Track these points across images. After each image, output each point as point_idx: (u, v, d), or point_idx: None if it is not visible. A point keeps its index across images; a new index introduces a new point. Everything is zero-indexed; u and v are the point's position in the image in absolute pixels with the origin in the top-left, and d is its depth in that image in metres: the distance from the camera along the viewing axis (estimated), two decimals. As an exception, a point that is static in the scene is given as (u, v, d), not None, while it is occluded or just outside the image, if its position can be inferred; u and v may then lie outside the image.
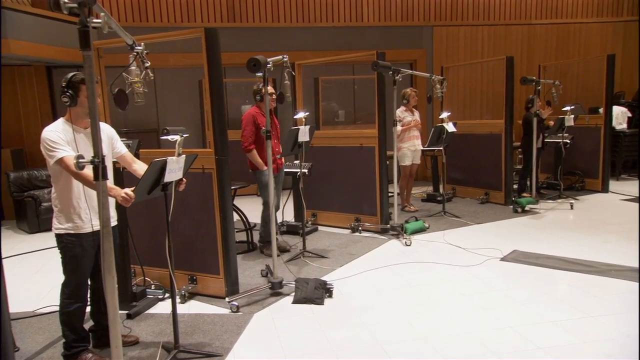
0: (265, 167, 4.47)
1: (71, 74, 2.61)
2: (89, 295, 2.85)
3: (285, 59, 3.82)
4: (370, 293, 3.67)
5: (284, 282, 3.72)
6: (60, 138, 2.53)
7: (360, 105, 9.26)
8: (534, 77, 6.07)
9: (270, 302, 3.57)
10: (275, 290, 3.69)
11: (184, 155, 2.66)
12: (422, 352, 2.75)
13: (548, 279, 3.76)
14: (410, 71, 5.52)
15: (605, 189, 7.29)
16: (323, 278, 3.94)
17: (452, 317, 3.17)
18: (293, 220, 5.74)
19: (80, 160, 1.67)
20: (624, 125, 8.74)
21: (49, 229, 5.98)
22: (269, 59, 3.47)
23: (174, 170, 2.60)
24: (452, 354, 2.70)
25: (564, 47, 9.63)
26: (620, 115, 8.63)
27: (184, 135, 2.64)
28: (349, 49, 8.25)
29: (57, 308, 3.53)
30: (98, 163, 1.59)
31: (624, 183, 8.03)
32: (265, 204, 4.60)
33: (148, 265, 3.82)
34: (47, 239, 5.69)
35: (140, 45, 2.36)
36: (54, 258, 4.99)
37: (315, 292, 3.54)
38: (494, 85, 9.27)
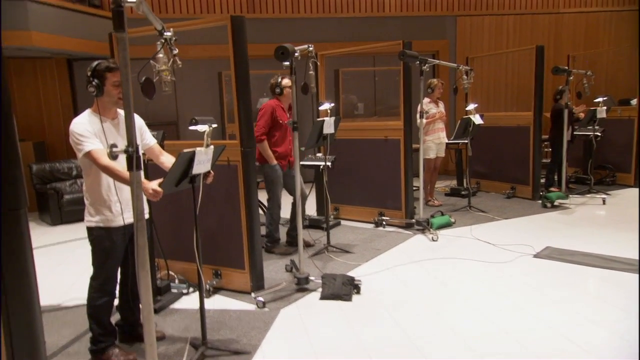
0: (274, 162, 4.36)
1: (96, 62, 2.53)
2: (117, 289, 2.78)
3: (310, 49, 3.71)
4: (399, 289, 3.56)
5: (310, 277, 3.63)
6: (87, 130, 2.46)
7: (380, 98, 9.10)
8: (566, 67, 5.84)
9: (296, 297, 3.48)
10: (302, 285, 3.60)
11: (212, 147, 2.57)
12: (458, 351, 2.63)
13: (585, 277, 3.60)
14: (438, 61, 5.35)
15: (638, 184, 7.02)
16: (349, 273, 3.85)
17: (487, 316, 3.04)
18: (315, 214, 5.64)
19: (114, 149, 1.59)
20: (657, 118, 8.40)
21: (72, 221, 6.09)
22: (295, 48, 3.36)
23: (203, 162, 2.52)
24: (489, 354, 2.58)
25: (593, 36, 9.30)
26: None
27: (213, 126, 2.55)
28: (370, 40, 8.07)
29: (83, 301, 3.53)
30: (132, 152, 1.50)
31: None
32: (272, 201, 4.47)
33: (171, 258, 3.76)
34: (70, 231, 5.70)
35: (169, 32, 2.26)
36: (78, 250, 5.02)
37: (343, 288, 3.44)
38: (519, 76, 9.03)
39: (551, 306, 3.13)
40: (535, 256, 4.13)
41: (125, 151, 1.49)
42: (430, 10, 8.80)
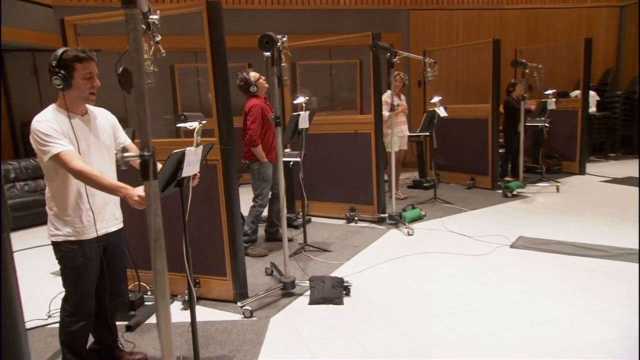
0: (266, 159, 4.24)
1: (61, 50, 2.18)
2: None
3: (284, 39, 3.50)
4: (389, 289, 3.45)
5: (295, 281, 3.44)
6: (53, 129, 2.11)
7: (336, 91, 8.99)
8: (524, 60, 6.01)
9: (284, 304, 3.28)
10: (288, 290, 3.40)
11: (201, 146, 2.31)
12: (467, 353, 2.56)
13: (567, 266, 3.68)
14: (407, 53, 5.30)
15: (582, 171, 7.43)
16: (332, 274, 3.71)
17: (485, 313, 3.00)
18: (285, 211, 5.42)
19: (126, 155, 1.31)
20: (594, 109, 8.96)
21: (13, 229, 5.42)
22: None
23: (192, 162, 2.25)
24: (500, 354, 2.53)
25: (533, 31, 9.73)
26: (590, 99, 8.83)
27: (203, 122, 2.29)
28: (325, 33, 7.93)
29: (42, 322, 3.13)
30: (149, 157, 1.24)
31: (595, 165, 8.25)
32: (260, 199, 4.29)
33: (141, 268, 3.42)
34: (16, 240, 5.08)
35: (155, 15, 1.98)
36: (25, 262, 4.46)
37: (333, 291, 3.28)
38: (468, 70, 9.27)
39: (545, 299, 3.13)
40: (512, 246, 4.19)
41: (141, 156, 1.23)
42: (383, 3, 8.80)
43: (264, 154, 4.21)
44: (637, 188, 6.10)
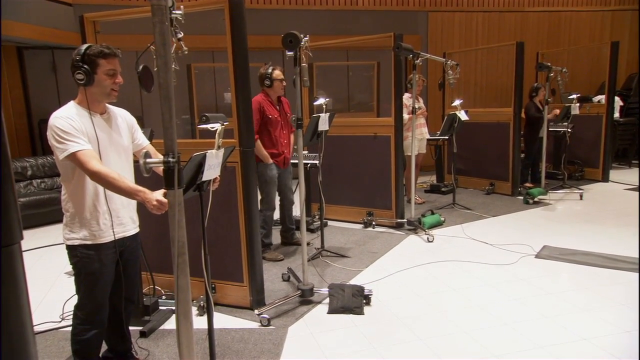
0: (270, 160, 4.12)
1: (85, 45, 2.13)
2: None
3: (306, 38, 3.39)
4: (411, 298, 3.33)
5: (314, 288, 3.33)
6: (72, 127, 2.04)
7: (353, 93, 8.88)
8: (549, 64, 5.84)
9: (301, 312, 3.17)
10: (306, 298, 3.29)
11: (222, 149, 2.21)
12: (495, 369, 2.44)
13: (598, 279, 3.51)
14: (429, 55, 5.17)
15: (605, 179, 7.22)
16: (352, 281, 3.60)
17: (517, 329, 2.85)
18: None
19: (149, 160, 1.21)
20: (617, 114, 8.72)
21: (34, 226, 5.39)
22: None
23: (213, 166, 2.16)
24: (529, 371, 2.40)
25: (554, 35, 9.53)
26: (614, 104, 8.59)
27: (225, 124, 2.19)
28: (344, 34, 7.85)
29: (55, 325, 3.07)
30: (174, 165, 1.14)
31: (618, 172, 8.02)
32: (264, 202, 4.18)
33: (156, 271, 3.34)
34: (32, 238, 5.06)
35: (179, 10, 1.88)
36: (42, 260, 4.41)
37: (353, 301, 3.17)
38: (487, 73, 9.10)
39: (580, 315, 2.97)
40: (537, 257, 4.04)
41: (165, 162, 1.13)
42: (402, 5, 8.66)
43: (267, 154, 4.07)
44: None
